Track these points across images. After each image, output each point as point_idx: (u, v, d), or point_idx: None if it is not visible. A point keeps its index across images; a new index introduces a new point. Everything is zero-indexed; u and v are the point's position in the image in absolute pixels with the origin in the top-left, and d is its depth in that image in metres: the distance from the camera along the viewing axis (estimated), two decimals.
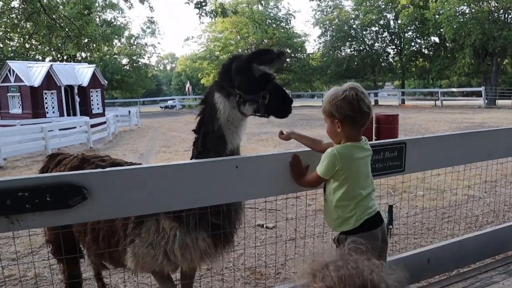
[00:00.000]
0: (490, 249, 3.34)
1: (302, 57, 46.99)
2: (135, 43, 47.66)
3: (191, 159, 2.49)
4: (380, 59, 42.61)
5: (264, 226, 5.64)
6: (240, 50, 46.07)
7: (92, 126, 17.04)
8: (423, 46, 41.26)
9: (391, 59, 43.52)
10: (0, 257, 4.90)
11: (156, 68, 70.33)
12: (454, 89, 43.01)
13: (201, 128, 2.51)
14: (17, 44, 28.15)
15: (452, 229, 5.56)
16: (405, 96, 40.06)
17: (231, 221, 2.53)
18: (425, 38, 39.92)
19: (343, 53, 43.76)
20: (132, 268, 2.71)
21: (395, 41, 42.36)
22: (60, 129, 15.93)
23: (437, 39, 39.70)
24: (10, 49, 26.03)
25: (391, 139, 2.67)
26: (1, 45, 23.85)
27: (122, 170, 1.95)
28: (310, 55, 48.52)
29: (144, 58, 49.15)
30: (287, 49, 45.64)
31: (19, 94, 22.80)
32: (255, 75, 2.31)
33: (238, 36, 45.70)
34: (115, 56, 46.55)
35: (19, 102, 23.01)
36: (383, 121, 12.00)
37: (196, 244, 2.47)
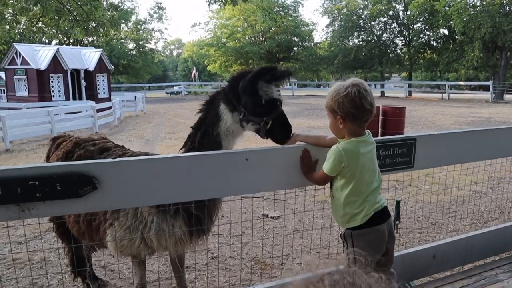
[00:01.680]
0: (496, 247, 3.34)
1: (310, 46, 46.64)
2: (142, 28, 47.45)
3: (181, 150, 2.57)
4: (388, 50, 42.22)
5: (269, 216, 5.65)
6: (247, 38, 45.81)
7: (98, 110, 17.05)
8: (432, 38, 40.81)
9: (399, 51, 43.09)
10: (7, 240, 4.96)
11: (162, 54, 70.15)
12: (461, 83, 42.65)
13: (201, 127, 2.56)
14: (24, 27, 28.12)
15: (457, 224, 5.56)
16: (412, 88, 39.74)
17: (209, 213, 2.60)
18: (434, 30, 39.47)
19: (350, 43, 43.36)
20: (111, 251, 2.86)
21: (404, 32, 41.91)
22: (66, 113, 15.96)
23: (446, 32, 39.23)
24: (17, 31, 25.96)
25: (401, 135, 2.65)
26: (8, 27, 23.76)
27: (133, 160, 1.95)
28: (318, 44, 48.17)
29: (150, 43, 49.02)
30: (295, 37, 45.32)
31: (25, 77, 22.81)
32: (261, 99, 2.33)
33: (246, 23, 45.36)
34: (121, 40, 46.43)
35: (25, 85, 23.04)
36: (389, 113, 11.94)
37: (172, 231, 2.56)
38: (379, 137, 2.38)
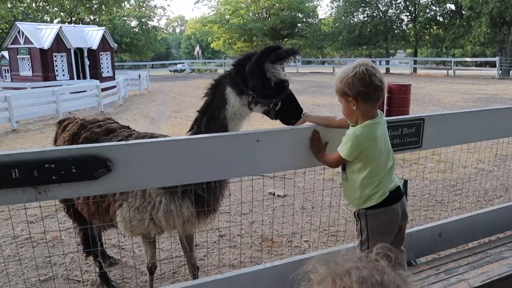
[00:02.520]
0: (501, 225, 3.38)
1: (314, 22, 46.04)
2: (145, 5, 46.91)
3: (187, 133, 2.57)
4: (393, 26, 41.62)
5: (277, 194, 5.71)
6: (251, 14, 45.22)
7: (103, 90, 17.04)
8: (438, 14, 40.11)
9: (404, 26, 42.47)
10: (19, 220, 5.06)
11: (165, 31, 69.43)
12: (467, 59, 42.07)
13: (207, 111, 2.56)
14: (25, 5, 27.86)
15: (462, 202, 5.61)
16: (417, 65, 39.33)
17: (216, 194, 2.63)
18: (440, 5, 38.77)
19: (355, 19, 42.74)
20: (122, 231, 2.93)
21: (410, 8, 41.20)
22: (71, 93, 15.97)
23: (453, 7, 38.54)
24: (20, 10, 25.76)
25: (409, 116, 2.66)
26: (10, 5, 23.58)
27: (146, 142, 1.98)
28: (322, 20, 47.53)
29: (153, 21, 48.64)
30: (299, 13, 44.70)
31: (29, 56, 22.74)
32: (269, 81, 2.33)
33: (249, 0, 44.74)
34: (124, 18, 45.98)
35: (29, 65, 22.98)
36: (395, 90, 11.83)
37: (180, 211, 2.61)
38: (387, 117, 2.38)
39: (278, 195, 5.69)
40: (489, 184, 6.41)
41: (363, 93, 2.03)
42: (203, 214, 2.70)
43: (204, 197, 2.57)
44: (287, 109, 2.33)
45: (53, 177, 1.79)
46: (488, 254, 3.00)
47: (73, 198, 3.30)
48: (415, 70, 37.46)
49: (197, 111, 2.66)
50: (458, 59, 38.30)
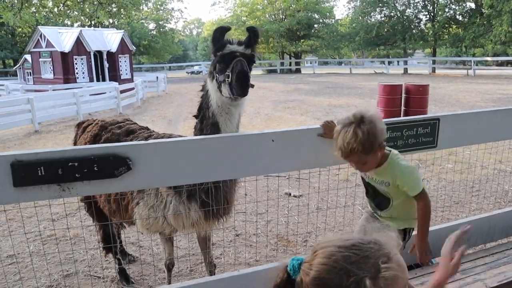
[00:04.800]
0: None
1: (330, 23, 45.81)
2: (162, 8, 47.42)
3: None
4: (411, 26, 41.12)
5: (292, 194, 5.75)
6: (267, 16, 45.26)
7: (121, 91, 17.31)
8: (458, 12, 39.49)
9: (423, 26, 41.93)
10: (40, 218, 5.21)
11: (182, 33, 70.07)
12: (488, 58, 41.30)
13: (200, 113, 2.60)
14: (47, 9, 28.43)
15: (480, 203, 5.54)
16: (436, 65, 38.75)
17: (219, 201, 2.63)
18: (460, 3, 38.18)
19: (373, 19, 42.39)
20: (140, 229, 3.02)
21: (428, 7, 40.66)
22: (90, 95, 16.26)
23: (473, 5, 37.90)
24: (42, 15, 26.34)
25: (424, 115, 2.67)
26: (34, 10, 24.14)
27: (164, 142, 2.05)
28: (339, 21, 47.25)
29: (170, 23, 49.16)
30: (315, 14, 44.55)
31: (50, 59, 23.24)
32: (222, 55, 2.31)
33: (266, 1, 44.77)
34: (142, 21, 46.56)
35: (50, 68, 23.49)
36: (412, 91, 11.75)
37: (188, 214, 2.67)
38: (402, 117, 2.40)
39: (293, 195, 5.71)
40: (508, 185, 6.32)
41: (381, 141, 2.05)
42: (211, 218, 2.75)
43: (209, 203, 2.61)
44: (234, 76, 2.21)
45: (76, 175, 1.87)
46: (506, 254, 2.98)
47: (95, 197, 3.41)
48: (433, 70, 36.95)
49: (193, 116, 2.68)
50: (478, 59, 37.63)
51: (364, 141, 1.93)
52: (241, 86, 2.19)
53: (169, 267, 3.22)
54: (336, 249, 1.05)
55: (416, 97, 11.72)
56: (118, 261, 3.90)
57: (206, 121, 2.52)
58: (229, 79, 2.21)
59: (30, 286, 3.77)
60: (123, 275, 3.88)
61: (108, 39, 25.47)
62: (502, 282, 2.58)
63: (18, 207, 5.43)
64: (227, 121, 2.45)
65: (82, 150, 1.88)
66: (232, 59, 2.25)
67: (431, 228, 3.06)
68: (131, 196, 2.97)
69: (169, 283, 3.22)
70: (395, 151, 2.16)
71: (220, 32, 2.30)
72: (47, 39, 22.89)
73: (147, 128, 3.39)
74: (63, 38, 23.27)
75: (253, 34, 2.36)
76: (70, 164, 1.85)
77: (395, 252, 1.07)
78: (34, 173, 1.83)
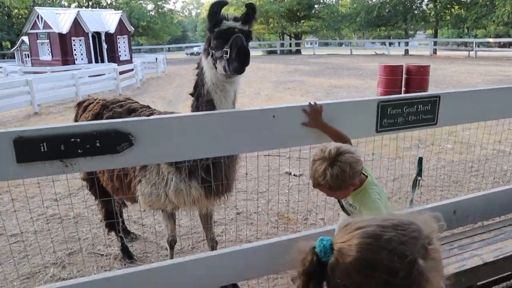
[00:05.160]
0: None
1: (331, 3, 45.32)
2: None
3: None
4: (413, 6, 40.63)
5: (293, 174, 5.78)
6: None
7: (121, 73, 17.23)
8: None
9: (424, 7, 41.42)
10: (43, 198, 5.25)
11: (181, 14, 69.30)
12: (490, 39, 40.86)
13: (196, 91, 2.59)
14: None
15: (479, 183, 5.58)
16: (437, 46, 38.38)
17: (218, 179, 2.65)
18: None
19: (374, 0, 41.89)
20: (142, 206, 3.04)
21: None
22: (89, 76, 16.19)
23: None
24: None
25: (425, 93, 2.67)
26: None
27: (166, 118, 2.06)
28: (340, 1, 46.72)
29: (169, 4, 48.53)
30: None
31: (48, 41, 23.05)
32: (220, 31, 2.27)
33: None
34: (140, 1, 45.98)
35: (48, 49, 23.31)
36: (413, 72, 11.72)
37: (189, 191, 2.69)
38: (403, 94, 2.41)
39: (294, 175, 5.75)
40: (508, 165, 6.35)
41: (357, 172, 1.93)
42: (211, 196, 2.77)
43: (209, 181, 2.63)
44: (233, 52, 2.18)
45: (79, 150, 1.89)
46: (503, 231, 3.02)
47: (97, 175, 3.44)
48: (435, 51, 36.66)
49: (189, 94, 2.67)
50: (480, 40, 37.25)
51: (332, 182, 1.86)
52: (240, 63, 2.15)
53: (172, 244, 3.27)
54: (380, 229, 0.96)
55: (417, 77, 11.69)
56: (121, 238, 3.95)
57: (202, 99, 2.51)
58: (227, 55, 2.19)
59: (34, 264, 3.82)
60: (126, 253, 3.94)
61: (106, 19, 25.21)
62: (499, 257, 2.62)
63: (21, 186, 5.48)
64: (222, 99, 2.44)
65: (84, 126, 1.89)
66: (231, 35, 2.22)
67: (428, 206, 3.10)
68: (133, 174, 3.00)
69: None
70: (371, 180, 2.04)
71: (217, 7, 2.25)
72: (44, 20, 22.65)
73: (148, 107, 3.39)
74: (60, 19, 23.03)
75: (251, 11, 2.32)
76: (72, 140, 1.86)
77: (433, 234, 0.99)
78: (37, 149, 1.84)
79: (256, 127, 2.17)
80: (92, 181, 3.68)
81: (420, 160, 2.91)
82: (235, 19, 2.30)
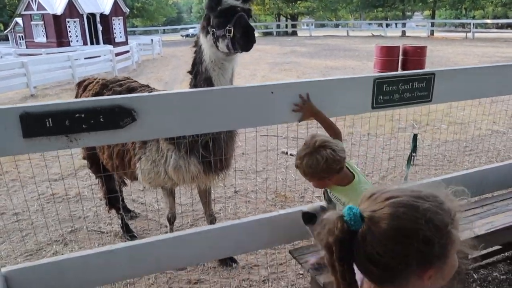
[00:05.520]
0: (509, 181, 3.46)
1: None
2: None
3: None
4: None
5: (289, 153, 5.85)
6: None
7: (116, 55, 17.12)
8: None
9: None
10: (43, 178, 5.31)
11: None
12: (488, 21, 40.58)
13: (194, 69, 2.63)
14: None
15: (474, 162, 5.67)
16: (435, 27, 38.15)
17: (216, 155, 2.72)
18: None
19: None
20: (142, 183, 3.12)
21: None
22: (85, 58, 16.08)
23: None
24: None
25: (420, 70, 2.72)
26: None
27: (168, 94, 2.10)
28: None
29: None
30: None
31: (42, 22, 22.79)
32: (222, 10, 2.31)
33: None
34: None
35: (43, 31, 23.07)
36: (410, 52, 11.74)
37: (188, 168, 2.75)
38: (399, 72, 2.46)
39: (291, 154, 5.82)
40: (501, 145, 6.44)
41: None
42: (210, 173, 2.84)
43: (207, 157, 2.70)
44: (239, 32, 2.23)
45: (83, 126, 1.94)
46: (495, 206, 3.11)
47: (98, 153, 3.49)
48: (432, 32, 36.45)
49: (188, 72, 2.71)
50: (478, 21, 37.02)
51: (306, 169, 2.02)
52: (246, 41, 2.21)
53: (171, 220, 3.34)
54: (413, 199, 0.97)
55: (414, 58, 11.71)
56: (121, 216, 4.03)
57: (200, 76, 2.56)
58: (231, 34, 2.23)
59: (37, 241, 3.90)
60: (126, 230, 4.02)
61: (101, 1, 24.90)
62: (489, 230, 2.71)
63: (20, 167, 5.53)
64: (220, 76, 2.50)
65: (88, 102, 1.93)
66: (233, 14, 2.25)
67: (424, 181, 3.17)
68: (133, 151, 3.05)
69: None
70: (360, 179, 2.12)
71: None
72: (38, 1, 22.37)
73: (147, 86, 3.43)
74: (54, 0, 22.72)
75: None
76: (77, 115, 1.91)
77: (455, 206, 1.04)
78: (42, 125, 1.89)
79: (255, 103, 2.22)
80: (93, 160, 3.74)
81: (415, 136, 2.98)
82: None
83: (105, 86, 3.49)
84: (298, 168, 2.10)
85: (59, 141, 1.94)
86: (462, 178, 3.20)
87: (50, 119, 1.89)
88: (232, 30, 2.22)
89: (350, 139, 6.15)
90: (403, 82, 2.55)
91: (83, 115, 1.92)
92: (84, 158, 3.95)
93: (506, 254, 3.43)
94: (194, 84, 2.59)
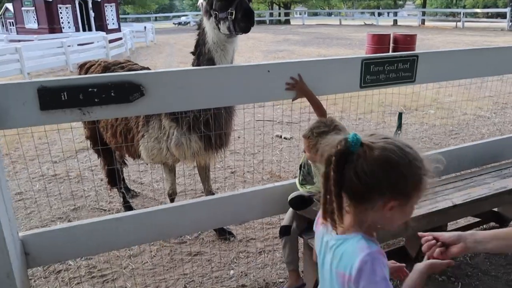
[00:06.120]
0: (486, 158, 3.69)
1: None
2: None
3: None
4: None
5: (283, 137, 6.06)
6: None
7: (109, 41, 17.12)
8: None
9: None
10: (42, 160, 5.46)
11: None
12: (478, 10, 40.93)
13: (197, 49, 2.83)
14: None
15: (458, 145, 5.91)
16: (426, 17, 38.37)
17: (215, 131, 2.92)
18: None
19: None
20: (144, 159, 3.31)
21: None
22: (78, 44, 16.07)
23: None
24: None
25: (404, 52, 2.92)
26: None
27: (174, 71, 2.27)
28: None
29: None
30: None
31: (33, 8, 22.64)
32: None
33: None
34: None
35: (34, 17, 22.92)
36: (400, 40, 11.95)
37: (189, 144, 2.95)
38: (385, 53, 2.66)
39: (284, 138, 6.03)
40: (486, 129, 6.70)
41: None
42: (210, 149, 3.04)
43: (208, 135, 2.90)
44: (239, 14, 2.40)
45: (96, 100, 2.11)
46: (473, 180, 3.34)
47: (101, 133, 3.66)
48: (423, 22, 36.70)
49: (190, 52, 2.90)
50: (468, 10, 37.35)
51: (312, 142, 2.26)
52: (247, 22, 2.40)
53: (172, 196, 3.54)
54: (402, 144, 1.20)
55: (404, 46, 11.92)
56: (123, 194, 4.21)
57: (203, 57, 2.75)
58: (233, 16, 2.41)
59: (40, 218, 4.07)
60: (128, 208, 4.19)
61: None
62: (467, 200, 2.94)
63: (19, 149, 5.68)
64: (222, 57, 2.69)
65: (100, 77, 2.11)
66: None
67: None
68: (136, 129, 3.23)
69: None
70: None
71: None
72: None
73: (148, 68, 3.59)
74: None
75: None
76: (90, 90, 2.08)
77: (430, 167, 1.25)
78: (58, 98, 2.06)
79: (253, 81, 2.41)
80: (96, 140, 3.90)
81: (400, 115, 3.20)
82: None
83: (107, 68, 3.65)
84: (305, 138, 2.32)
85: (73, 113, 2.12)
86: (443, 155, 3.40)
87: (65, 93, 2.06)
88: (234, 12, 2.41)
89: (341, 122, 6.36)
90: (388, 63, 2.75)
91: (95, 90, 2.09)
92: (87, 138, 4.12)
93: (484, 226, 3.68)
94: (197, 64, 2.78)
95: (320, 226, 1.37)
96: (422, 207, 2.88)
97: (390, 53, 2.84)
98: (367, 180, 1.16)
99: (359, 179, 1.17)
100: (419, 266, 1.37)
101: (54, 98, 2.06)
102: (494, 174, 3.46)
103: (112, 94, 2.12)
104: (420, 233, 1.43)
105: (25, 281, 2.25)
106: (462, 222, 3.85)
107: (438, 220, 2.90)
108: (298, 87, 2.51)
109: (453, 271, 3.10)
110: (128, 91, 2.14)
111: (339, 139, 1.21)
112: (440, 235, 1.39)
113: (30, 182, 4.86)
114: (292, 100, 2.58)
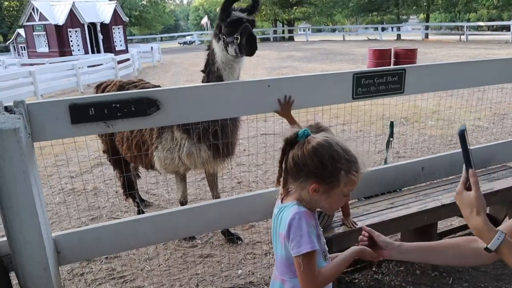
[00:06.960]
0: (478, 162, 3.94)
1: None
2: None
3: None
4: None
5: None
6: None
7: (118, 62, 17.66)
8: None
9: None
10: (60, 175, 5.78)
11: (173, 3, 69.18)
12: (481, 23, 41.31)
13: (207, 68, 3.20)
14: None
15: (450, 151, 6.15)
16: (430, 31, 38.77)
17: (224, 142, 3.24)
18: None
19: None
20: (158, 169, 3.64)
21: None
22: (88, 66, 16.60)
23: None
24: None
25: (392, 67, 3.21)
26: None
27: (185, 87, 2.59)
28: None
29: None
30: None
31: (44, 32, 23.38)
32: (231, 21, 2.86)
33: None
34: None
35: (45, 41, 23.65)
36: (401, 55, 12.27)
37: (199, 154, 3.28)
38: (374, 68, 2.95)
39: None
40: (484, 139, 6.93)
41: None
42: (218, 158, 3.36)
43: (216, 145, 3.22)
44: (243, 39, 2.78)
45: (118, 114, 2.42)
46: None
47: (117, 146, 3.97)
48: (426, 36, 37.09)
49: (201, 70, 3.28)
50: (472, 24, 37.68)
51: None
52: (250, 47, 2.78)
53: (183, 203, 3.83)
54: (336, 143, 1.53)
55: (405, 61, 12.23)
56: (137, 204, 4.51)
57: (212, 75, 3.12)
58: (238, 41, 2.79)
59: (63, 227, 4.36)
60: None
61: (101, 10, 25.52)
62: (454, 201, 3.19)
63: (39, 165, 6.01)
64: (230, 75, 3.07)
65: (122, 95, 2.42)
66: (240, 24, 2.82)
67: (400, 163, 3.66)
68: (150, 142, 3.55)
69: None
70: None
71: (230, 3, 2.85)
72: (40, 12, 22.96)
73: (159, 86, 3.93)
74: (56, 10, 23.33)
75: (256, 4, 2.93)
76: (113, 105, 2.39)
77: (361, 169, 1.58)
78: (86, 113, 2.37)
79: (255, 94, 2.72)
80: (113, 152, 4.22)
81: (392, 123, 3.47)
82: (242, 10, 2.91)
83: (122, 87, 3.99)
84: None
85: (99, 126, 2.42)
86: (435, 160, 3.67)
87: (92, 109, 2.38)
88: (239, 37, 2.79)
89: (346, 130, 6.66)
90: (378, 77, 3.04)
91: (118, 105, 2.40)
92: (104, 152, 4.44)
93: None
94: (207, 81, 3.15)
95: (276, 203, 1.77)
96: (413, 207, 3.14)
97: (380, 68, 3.13)
98: (298, 163, 1.53)
99: (293, 161, 1.55)
100: (354, 247, 1.67)
101: (83, 113, 2.37)
102: (484, 177, 3.71)
103: (132, 108, 2.43)
104: (363, 226, 1.71)
105: (57, 277, 2.53)
106: (456, 223, 4.09)
107: (428, 219, 3.16)
108: (284, 107, 2.74)
109: (445, 267, 3.34)
110: (146, 106, 2.45)
111: (295, 131, 1.58)
112: (376, 236, 1.64)
113: (51, 196, 5.18)
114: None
